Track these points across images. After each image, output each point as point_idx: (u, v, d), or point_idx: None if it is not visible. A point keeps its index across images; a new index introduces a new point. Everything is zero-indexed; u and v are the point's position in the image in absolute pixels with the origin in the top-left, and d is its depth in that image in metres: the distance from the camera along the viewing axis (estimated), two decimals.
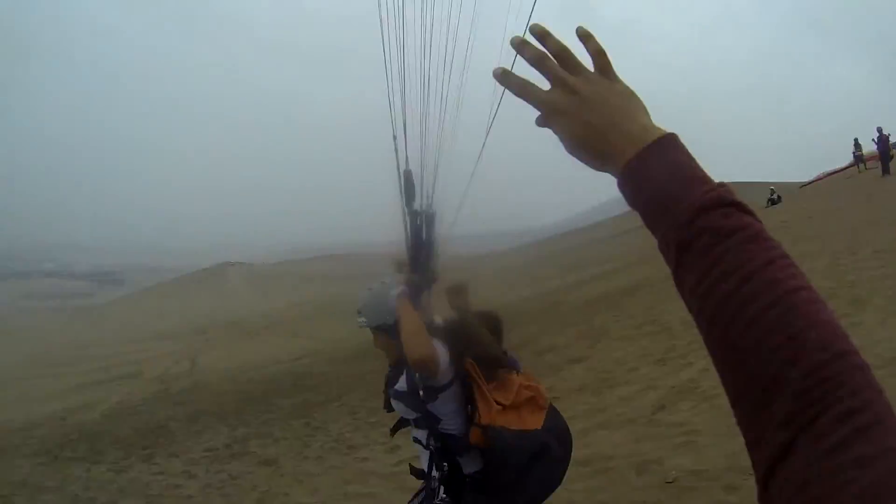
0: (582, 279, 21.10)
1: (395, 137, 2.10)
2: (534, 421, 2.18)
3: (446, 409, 2.20)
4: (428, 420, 2.18)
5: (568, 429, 2.30)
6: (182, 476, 7.55)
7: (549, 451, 2.13)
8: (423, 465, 2.26)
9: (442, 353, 2.18)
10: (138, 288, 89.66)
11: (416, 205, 2.20)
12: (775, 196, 25.20)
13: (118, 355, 29.79)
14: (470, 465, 2.20)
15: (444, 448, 2.18)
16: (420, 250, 2.25)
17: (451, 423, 2.20)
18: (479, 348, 2.23)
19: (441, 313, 2.35)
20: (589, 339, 9.43)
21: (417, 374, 2.14)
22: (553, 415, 2.26)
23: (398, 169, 2.14)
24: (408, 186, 2.16)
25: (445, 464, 2.17)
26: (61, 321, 61.35)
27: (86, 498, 7.21)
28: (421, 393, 2.14)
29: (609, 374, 6.97)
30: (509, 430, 2.09)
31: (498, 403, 2.15)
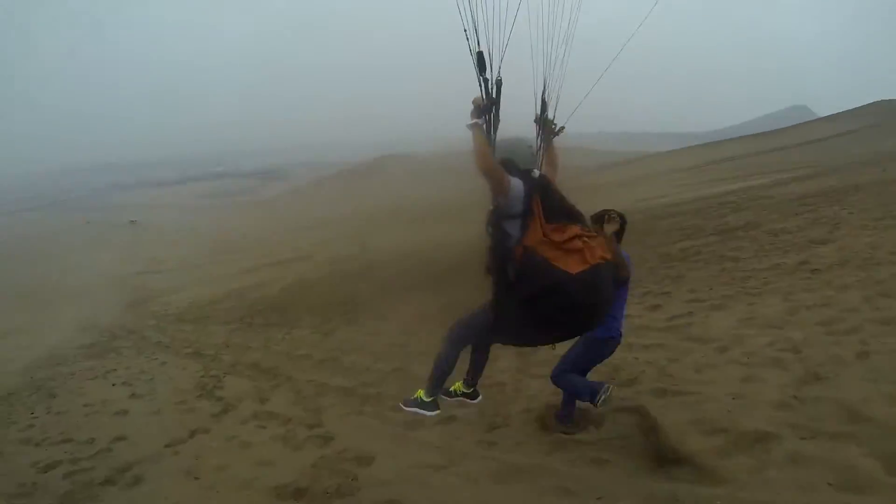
0: (779, 180, 20.22)
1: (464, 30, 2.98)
2: (572, 266, 2.77)
3: (514, 232, 2.93)
4: (495, 230, 3.01)
5: (605, 288, 2.89)
6: (401, 335, 8.31)
7: (563, 293, 2.75)
8: None
9: (515, 183, 3.01)
10: (302, 182, 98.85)
11: (488, 74, 3.07)
12: None
13: (287, 242, 33.49)
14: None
15: (498, 249, 2.97)
16: (490, 103, 3.12)
17: (511, 241, 2.94)
18: (555, 197, 3.06)
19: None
20: (825, 225, 9.38)
21: (492, 194, 3.05)
22: (595, 271, 2.79)
23: (470, 50, 3.01)
24: (479, 62, 3.02)
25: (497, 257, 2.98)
26: (233, 215, 70.48)
27: (299, 355, 8.21)
28: (493, 207, 3.06)
29: (870, 254, 6.93)
30: (542, 257, 2.79)
31: (546, 237, 2.84)
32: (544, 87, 3.41)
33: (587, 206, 3.30)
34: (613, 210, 3.94)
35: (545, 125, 3.50)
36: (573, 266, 2.77)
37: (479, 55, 3.08)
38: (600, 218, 3.87)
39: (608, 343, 3.99)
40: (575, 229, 2.91)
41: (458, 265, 13.58)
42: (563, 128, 3.52)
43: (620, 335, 4.00)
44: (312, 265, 20.35)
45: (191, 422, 5.87)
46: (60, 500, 4.55)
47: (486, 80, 3.12)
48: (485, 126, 3.16)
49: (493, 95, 3.16)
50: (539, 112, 3.49)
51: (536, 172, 3.20)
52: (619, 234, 3.92)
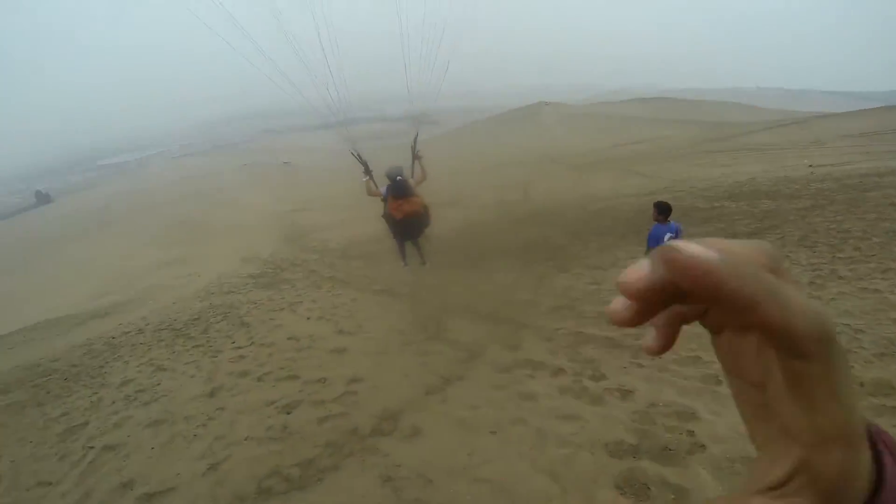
0: None
1: None
2: (396, 214, 9.76)
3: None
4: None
5: (408, 222, 9.82)
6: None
7: (394, 222, 10.03)
8: None
9: (385, 189, 10.01)
10: (454, 126, 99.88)
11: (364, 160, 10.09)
12: None
13: (444, 186, 33.44)
14: None
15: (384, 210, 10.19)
16: (367, 169, 10.07)
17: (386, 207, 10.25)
18: (400, 187, 9.78)
19: None
20: None
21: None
22: (403, 216, 9.78)
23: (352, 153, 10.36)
24: (360, 160, 10.22)
25: None
26: (386, 155, 72.72)
27: (521, 300, 7.65)
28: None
29: None
30: (389, 212, 10.03)
31: (390, 206, 9.90)
32: (416, 136, 10.30)
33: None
34: (656, 203, 6.47)
35: (413, 153, 9.94)
36: (397, 214, 9.50)
37: (359, 156, 10.03)
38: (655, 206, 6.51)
39: None
40: (400, 202, 9.42)
41: (629, 219, 13.10)
42: (420, 155, 10.11)
43: None
44: (477, 209, 19.71)
45: (437, 366, 5.31)
46: (324, 449, 4.29)
47: (365, 168, 9.81)
48: (368, 176, 9.85)
49: (366, 166, 9.79)
50: (412, 145, 9.99)
51: (398, 177, 9.49)
52: (663, 214, 6.39)
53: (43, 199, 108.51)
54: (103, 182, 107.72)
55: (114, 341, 9.87)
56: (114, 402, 6.27)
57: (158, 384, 6.56)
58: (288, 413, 4.99)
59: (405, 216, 9.03)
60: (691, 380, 4.48)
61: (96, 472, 4.77)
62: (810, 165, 19.11)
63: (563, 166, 33.03)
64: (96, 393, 6.73)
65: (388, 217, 9.48)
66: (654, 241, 6.39)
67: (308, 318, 8.40)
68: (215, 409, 5.48)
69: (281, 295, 11.18)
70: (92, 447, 5.21)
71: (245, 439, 4.72)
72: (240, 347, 7.28)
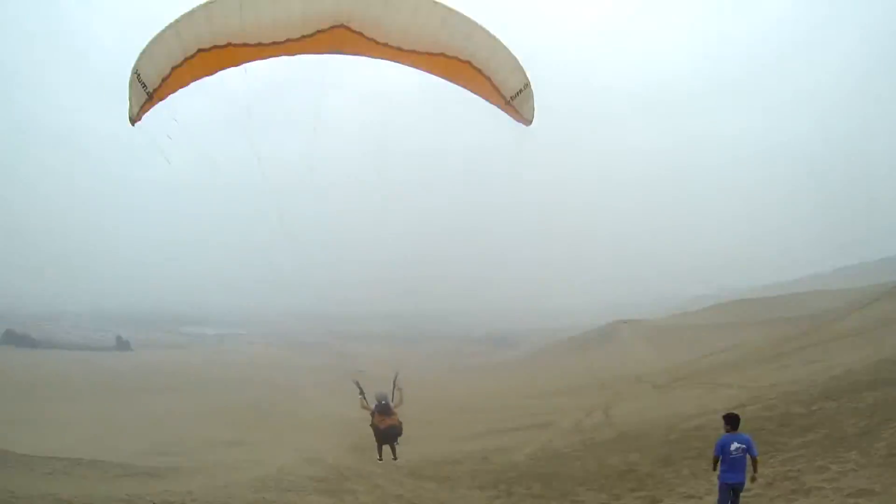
0: None
1: None
2: (380, 424, 10.71)
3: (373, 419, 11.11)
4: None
5: (386, 431, 10.87)
6: None
7: (378, 430, 10.84)
8: None
9: (375, 408, 10.81)
10: (532, 349, 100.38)
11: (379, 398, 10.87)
12: None
13: (524, 407, 32.45)
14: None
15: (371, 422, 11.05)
16: (363, 397, 11.04)
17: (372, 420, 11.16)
18: (384, 408, 10.85)
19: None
20: None
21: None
22: (384, 426, 10.81)
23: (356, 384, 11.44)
24: (359, 388, 11.13)
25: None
26: (464, 377, 72.65)
27: None
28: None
29: None
30: (375, 424, 10.78)
31: (375, 420, 10.78)
32: (396, 376, 11.30)
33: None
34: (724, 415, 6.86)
35: (395, 386, 11.12)
36: (381, 425, 10.64)
37: (357, 383, 11.12)
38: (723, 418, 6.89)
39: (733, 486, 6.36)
40: (383, 417, 10.72)
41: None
42: (401, 387, 11.30)
43: (742, 483, 6.36)
44: (557, 432, 18.77)
45: None
46: None
47: (361, 392, 10.85)
48: (362, 397, 10.84)
49: (362, 392, 10.80)
50: (395, 380, 11.23)
51: (383, 401, 10.73)
52: (731, 424, 6.65)
53: (123, 345, 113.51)
54: (182, 346, 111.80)
55: None
56: None
57: None
58: None
59: (386, 427, 11.45)
60: None
61: None
62: None
63: (645, 385, 32.00)
64: None
65: (374, 426, 11.75)
66: (719, 448, 6.47)
67: None
68: None
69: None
70: None
71: None
72: None
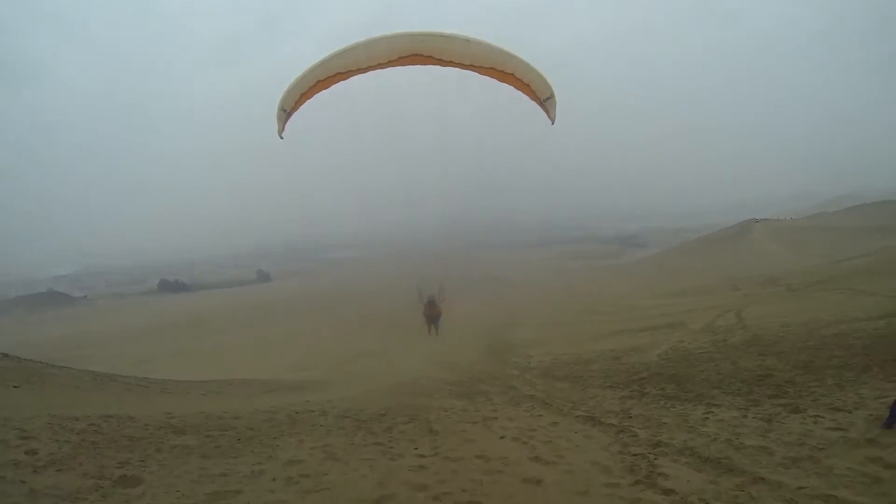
0: None
1: None
2: (425, 312, 20.97)
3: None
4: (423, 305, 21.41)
5: (429, 314, 21.23)
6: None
7: (425, 314, 21.17)
8: None
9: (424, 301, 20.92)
10: (662, 248, 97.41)
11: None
12: None
13: (654, 307, 31.79)
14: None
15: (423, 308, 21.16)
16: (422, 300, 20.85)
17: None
18: (431, 300, 20.72)
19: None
20: None
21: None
22: (428, 311, 21.18)
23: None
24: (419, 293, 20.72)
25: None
26: (594, 277, 71.86)
27: (751, 445, 6.36)
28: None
29: None
30: (423, 311, 21.04)
31: (424, 308, 21.03)
32: (441, 287, 21.16)
33: None
34: None
35: (441, 290, 20.89)
36: (428, 312, 20.85)
37: (417, 288, 20.58)
38: None
39: None
40: (431, 308, 20.79)
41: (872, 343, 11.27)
42: (444, 297, 21.06)
43: None
44: (688, 333, 18.19)
45: None
46: None
47: (419, 294, 20.57)
48: (419, 297, 20.66)
49: (420, 296, 20.61)
50: (441, 290, 20.81)
51: (428, 299, 20.72)
52: None
53: (263, 276, 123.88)
54: (321, 272, 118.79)
55: (296, 416, 9.87)
56: (274, 480, 5.90)
57: (326, 474, 6.12)
58: None
59: (431, 314, 17.50)
60: None
61: None
62: None
63: (780, 287, 30.27)
64: (261, 464, 6.46)
65: (424, 313, 18.36)
66: None
67: (502, 438, 7.75)
68: None
69: (476, 407, 10.72)
70: None
71: None
72: (422, 456, 6.77)
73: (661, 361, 13.95)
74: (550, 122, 10.89)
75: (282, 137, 10.88)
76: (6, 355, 14.57)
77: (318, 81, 10.17)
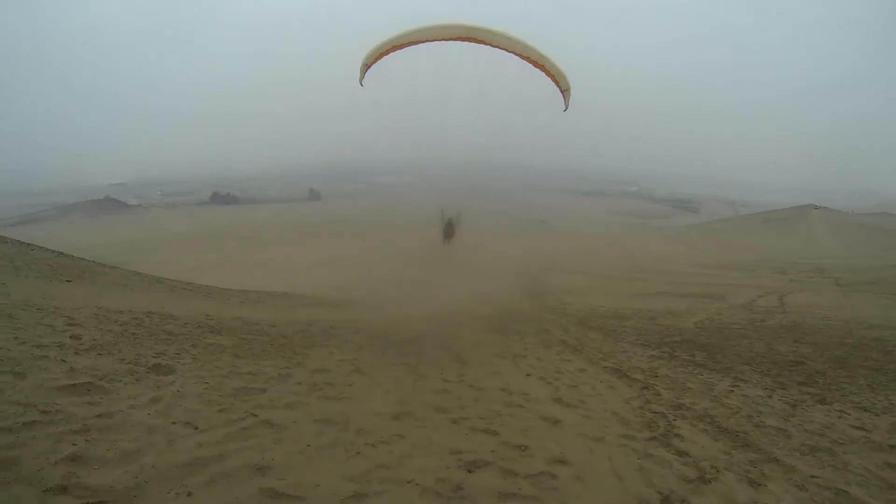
0: None
1: None
2: (448, 231, 20.26)
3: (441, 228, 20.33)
4: (444, 225, 20.87)
5: (447, 229, 19.89)
6: None
7: (443, 231, 20.07)
8: None
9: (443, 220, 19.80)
10: (714, 217, 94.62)
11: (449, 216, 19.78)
12: None
13: (698, 275, 31.16)
14: None
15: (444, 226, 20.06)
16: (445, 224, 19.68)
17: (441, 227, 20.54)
18: (449, 220, 19.46)
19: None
20: None
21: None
22: (446, 228, 19.99)
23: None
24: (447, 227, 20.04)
25: None
26: (642, 235, 70.64)
27: (770, 426, 6.27)
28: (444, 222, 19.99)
29: None
30: (444, 231, 20.38)
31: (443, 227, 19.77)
32: (458, 214, 19.68)
33: None
34: None
35: (458, 216, 19.62)
36: (446, 232, 19.51)
37: (444, 217, 19.67)
38: None
39: None
40: (449, 228, 19.48)
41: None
42: (460, 220, 19.84)
43: None
44: (726, 307, 17.82)
45: (657, 478, 4.41)
46: None
47: (446, 222, 19.52)
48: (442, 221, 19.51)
49: (448, 223, 19.60)
50: (458, 214, 19.65)
51: (447, 219, 19.49)
52: None
53: (315, 195, 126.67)
54: (367, 194, 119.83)
55: (330, 330, 10.19)
56: (299, 384, 6.14)
57: (350, 385, 6.36)
58: (469, 471, 4.34)
59: (447, 233, 18.41)
60: None
61: (243, 440, 4.53)
62: None
63: (828, 279, 29.12)
64: (289, 368, 6.70)
65: (443, 231, 18.74)
66: None
67: (528, 375, 7.87)
68: (394, 434, 5.01)
69: (508, 343, 10.85)
70: (255, 416, 5.01)
71: (408, 482, 4.15)
72: (447, 381, 6.94)
73: (695, 329, 13.78)
74: (564, 109, 13.15)
75: (361, 85, 13.28)
76: (62, 253, 15.31)
77: (394, 46, 12.54)
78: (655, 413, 6.30)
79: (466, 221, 19.51)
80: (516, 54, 12.41)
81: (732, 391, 7.62)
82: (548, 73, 12.71)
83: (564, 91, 13.00)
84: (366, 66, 13.29)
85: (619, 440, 5.32)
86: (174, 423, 4.61)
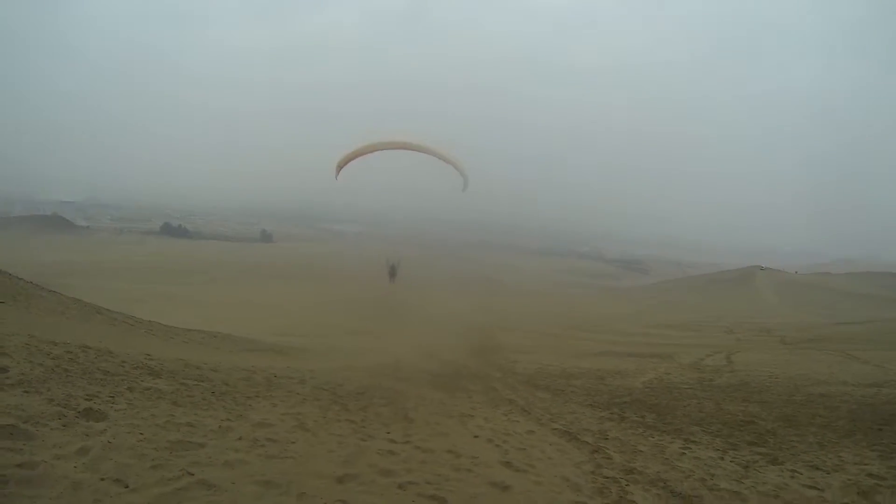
0: None
1: None
2: (392, 273, 27.45)
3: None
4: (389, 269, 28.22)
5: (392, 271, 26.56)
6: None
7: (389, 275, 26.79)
8: None
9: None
10: (662, 278, 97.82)
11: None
12: None
13: (646, 335, 31.78)
14: None
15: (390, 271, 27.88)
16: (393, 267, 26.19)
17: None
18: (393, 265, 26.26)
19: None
20: None
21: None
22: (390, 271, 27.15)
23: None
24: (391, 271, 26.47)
25: None
26: (591, 295, 72.19)
27: (724, 489, 6.20)
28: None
29: None
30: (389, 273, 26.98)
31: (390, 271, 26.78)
32: (398, 261, 26.41)
33: None
34: None
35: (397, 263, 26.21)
36: (391, 275, 25.70)
37: (390, 266, 26.19)
38: None
39: None
40: (390, 269, 25.75)
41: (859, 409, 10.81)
42: (396, 271, 26.52)
43: None
44: (675, 367, 18.11)
45: None
46: None
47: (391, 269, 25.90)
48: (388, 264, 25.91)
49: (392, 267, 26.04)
50: (395, 265, 26.12)
51: (391, 264, 25.89)
52: None
53: (266, 237, 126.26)
54: (320, 240, 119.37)
55: (274, 380, 9.84)
56: (240, 439, 5.78)
57: (293, 442, 6.02)
58: None
59: (392, 275, 21.14)
60: None
61: (177, 503, 4.18)
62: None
63: (774, 338, 30.16)
64: (230, 421, 6.34)
65: (388, 273, 21.78)
66: None
67: (476, 437, 7.63)
68: (338, 499, 4.70)
69: (454, 401, 10.67)
70: (191, 474, 4.64)
71: None
72: (394, 441, 6.66)
73: (644, 389, 13.85)
74: (462, 189, 19.49)
75: (336, 179, 18.75)
76: None
77: (359, 153, 18.09)
78: (607, 478, 6.14)
79: (414, 275, 19.41)
80: (436, 155, 18.53)
81: (684, 453, 7.54)
82: (454, 166, 18.89)
83: (465, 181, 19.37)
84: (339, 168, 18.49)
85: None
86: (102, 479, 4.18)
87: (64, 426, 4.89)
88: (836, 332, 32.43)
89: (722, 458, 7.34)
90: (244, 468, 5.03)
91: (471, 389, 12.56)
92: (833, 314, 46.01)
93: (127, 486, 4.18)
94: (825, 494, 6.06)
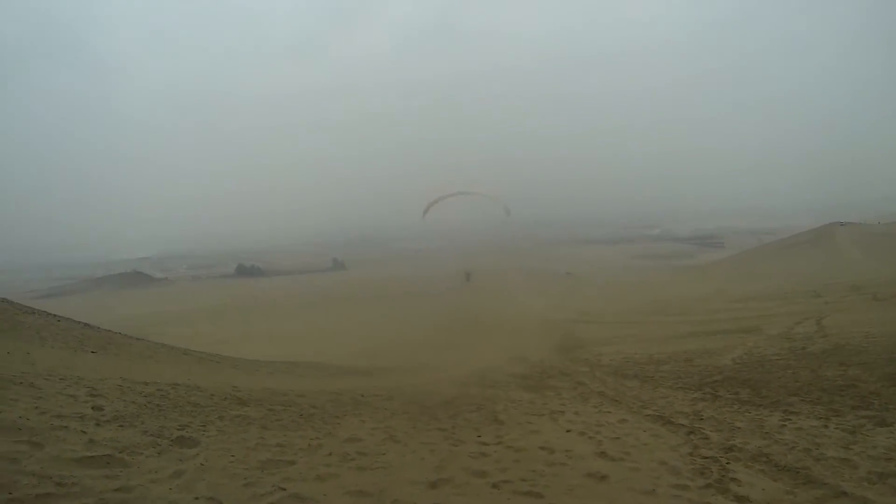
0: None
1: None
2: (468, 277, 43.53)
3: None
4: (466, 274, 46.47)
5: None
6: None
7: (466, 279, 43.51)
8: None
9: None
10: (739, 250, 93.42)
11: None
12: None
13: (730, 310, 30.45)
14: None
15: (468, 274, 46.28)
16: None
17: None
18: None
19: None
20: None
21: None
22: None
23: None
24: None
25: None
26: (669, 277, 69.89)
27: (832, 457, 5.85)
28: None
29: None
30: (465, 278, 44.82)
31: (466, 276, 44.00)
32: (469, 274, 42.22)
33: None
34: None
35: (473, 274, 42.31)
36: (467, 279, 43.55)
37: (467, 273, 42.28)
38: None
39: None
40: (468, 275, 42.40)
41: None
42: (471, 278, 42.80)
43: None
44: (764, 339, 17.25)
45: None
46: None
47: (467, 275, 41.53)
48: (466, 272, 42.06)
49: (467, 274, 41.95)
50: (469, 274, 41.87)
51: (466, 272, 42.32)
52: None
53: (339, 265, 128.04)
54: (392, 261, 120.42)
55: (361, 399, 9.92)
56: (330, 454, 5.87)
57: (384, 454, 6.08)
58: None
59: (468, 278, 32.87)
60: None
61: None
62: None
63: (864, 296, 28.18)
64: (319, 439, 6.43)
65: (466, 278, 33.99)
66: None
67: (568, 431, 7.53)
68: (432, 503, 4.72)
69: (544, 400, 10.53)
70: (283, 489, 4.71)
71: None
72: (485, 444, 6.65)
73: (735, 365, 13.28)
74: (507, 214, 29.11)
75: (423, 219, 28.34)
76: (88, 325, 15.40)
77: (440, 200, 26.28)
78: (706, 458, 5.93)
79: (492, 279, 19.31)
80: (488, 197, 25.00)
81: (785, 425, 7.19)
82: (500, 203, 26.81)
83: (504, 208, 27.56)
84: (425, 211, 25.36)
85: (671, 491, 4.97)
86: (196, 498, 4.35)
87: (158, 453, 5.13)
88: None
89: (825, 426, 6.96)
90: (335, 481, 5.12)
91: (559, 387, 12.36)
92: None
93: (220, 503, 4.36)
94: None
